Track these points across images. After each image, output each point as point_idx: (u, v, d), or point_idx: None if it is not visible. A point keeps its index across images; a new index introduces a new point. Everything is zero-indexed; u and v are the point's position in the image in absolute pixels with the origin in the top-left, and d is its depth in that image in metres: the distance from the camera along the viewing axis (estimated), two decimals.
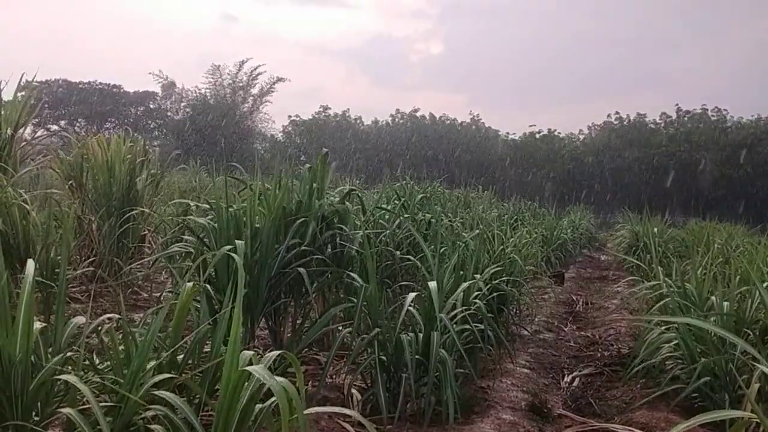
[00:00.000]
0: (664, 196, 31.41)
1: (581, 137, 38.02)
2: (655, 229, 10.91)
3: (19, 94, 5.49)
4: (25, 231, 4.07)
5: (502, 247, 5.58)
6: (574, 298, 8.75)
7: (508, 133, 38.62)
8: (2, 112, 4.74)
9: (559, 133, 37.66)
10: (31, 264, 2.24)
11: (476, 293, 4.16)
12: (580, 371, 5.05)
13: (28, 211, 4.14)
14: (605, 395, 4.49)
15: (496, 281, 4.82)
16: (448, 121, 38.81)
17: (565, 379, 4.87)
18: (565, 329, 6.82)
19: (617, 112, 36.96)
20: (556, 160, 35.44)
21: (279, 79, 37.84)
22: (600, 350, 5.77)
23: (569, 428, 3.73)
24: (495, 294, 4.77)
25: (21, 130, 5.32)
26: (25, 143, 5.66)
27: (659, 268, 5.50)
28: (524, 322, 6.39)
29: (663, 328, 4.43)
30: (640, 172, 33.96)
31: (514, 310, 5.88)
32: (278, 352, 2.21)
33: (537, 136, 37.44)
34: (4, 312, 2.06)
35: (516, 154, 36.52)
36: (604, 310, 7.94)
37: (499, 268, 4.96)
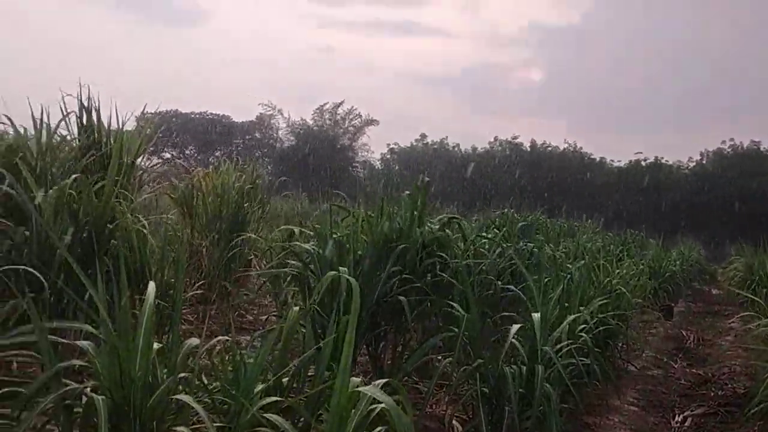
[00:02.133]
0: None
1: (690, 165, 36.44)
2: None
3: (137, 125, 5.82)
4: (142, 254, 4.28)
5: (608, 278, 5.40)
6: (684, 333, 8.35)
7: (612, 160, 37.56)
8: (124, 142, 5.02)
9: (666, 160, 36.28)
10: (152, 286, 2.35)
11: (582, 326, 4.04)
12: (692, 411, 4.80)
13: (146, 235, 4.35)
14: None
15: (603, 315, 4.66)
16: (549, 148, 38.15)
17: (676, 419, 4.64)
18: (675, 366, 6.51)
19: (732, 139, 35.25)
20: (663, 189, 34.07)
21: (371, 121, 38.77)
22: (713, 389, 5.47)
23: None
24: (601, 328, 4.61)
25: (139, 159, 5.62)
26: (142, 171, 5.97)
27: None
28: (631, 357, 6.15)
29: None
30: (755, 202, 32.12)
31: (621, 345, 5.67)
32: (385, 380, 2.21)
33: (643, 163, 36.20)
34: (125, 330, 2.17)
35: (620, 182, 35.38)
36: (717, 347, 7.53)
37: (605, 301, 4.80)
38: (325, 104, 38.84)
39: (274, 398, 2.44)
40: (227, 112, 39.56)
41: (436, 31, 60.34)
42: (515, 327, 3.55)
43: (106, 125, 5.10)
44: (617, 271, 5.96)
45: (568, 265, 5.40)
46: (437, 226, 4.69)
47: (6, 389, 2.37)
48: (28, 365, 3.57)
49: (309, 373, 2.90)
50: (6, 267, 3.14)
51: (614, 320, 4.97)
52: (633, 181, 35.10)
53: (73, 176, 4.11)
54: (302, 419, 2.62)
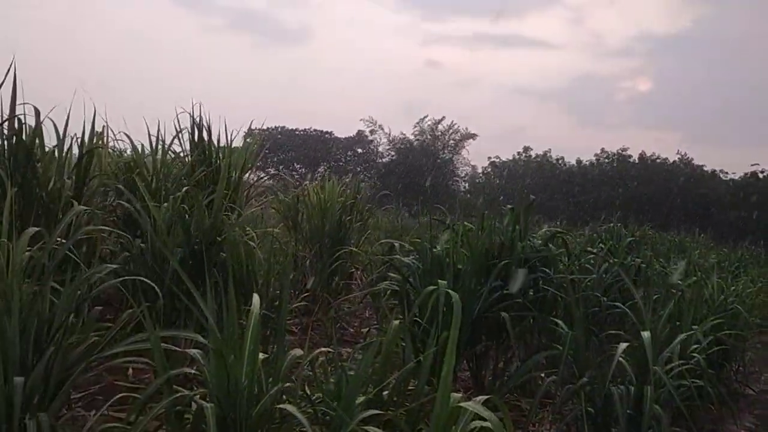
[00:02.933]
0: None
1: None
2: None
3: (244, 141, 6.06)
4: (249, 266, 4.42)
5: (722, 296, 5.12)
6: None
7: (725, 172, 35.72)
8: (232, 158, 5.22)
9: None
10: (256, 298, 2.43)
11: (694, 346, 3.84)
12: None
13: (253, 248, 4.49)
14: None
15: (717, 334, 4.42)
16: (659, 160, 36.71)
17: None
18: None
19: None
20: None
21: (471, 135, 38.62)
22: None
23: None
24: (716, 348, 4.38)
25: (246, 174, 5.83)
26: (249, 186, 6.18)
27: None
28: (749, 380, 5.80)
29: None
30: None
31: (737, 367, 5.35)
32: (486, 396, 2.18)
33: (760, 175, 34.20)
34: (233, 340, 2.25)
35: (736, 195, 33.54)
36: None
37: (719, 320, 4.55)
38: (425, 117, 39.03)
39: (374, 411, 2.45)
40: (330, 128, 40.49)
41: (540, 43, 59.36)
42: (623, 345, 3.42)
43: (215, 141, 5.33)
44: (732, 288, 5.64)
45: (679, 281, 5.16)
46: (540, 241, 4.60)
47: (121, 394, 2.50)
48: (143, 371, 3.76)
49: (409, 387, 2.90)
50: (123, 278, 3.32)
51: (730, 340, 4.71)
52: (749, 194, 33.19)
53: (184, 189, 4.31)
54: None
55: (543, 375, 3.91)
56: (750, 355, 5.75)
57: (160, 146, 5.02)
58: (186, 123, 5.28)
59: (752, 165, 35.00)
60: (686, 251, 8.63)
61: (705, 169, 36.14)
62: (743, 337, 5.19)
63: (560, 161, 38.77)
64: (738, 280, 6.73)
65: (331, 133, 40.21)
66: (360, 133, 40.11)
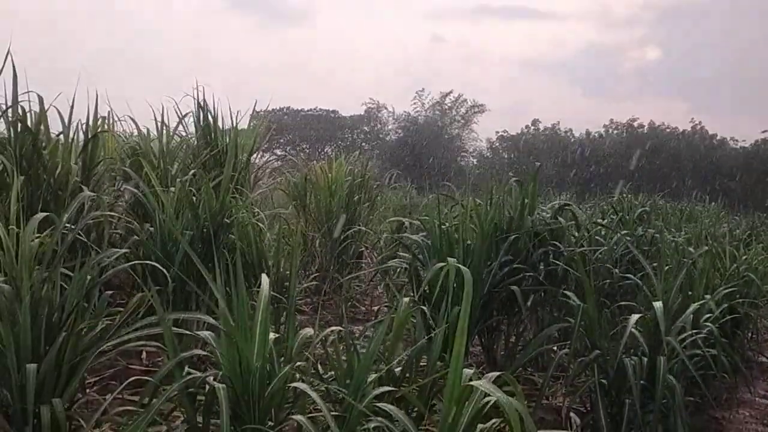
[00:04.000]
0: None
1: None
2: None
3: (250, 122, 6.03)
4: (258, 248, 4.42)
5: (735, 265, 5.08)
6: None
7: (735, 140, 35.40)
8: (239, 140, 5.21)
9: None
10: (265, 279, 2.42)
11: (707, 315, 3.82)
12: None
13: (262, 229, 4.50)
14: None
15: (730, 302, 4.39)
16: (668, 130, 36.39)
17: None
18: None
19: None
20: None
21: (479, 107, 38.33)
22: None
23: None
24: (728, 317, 4.35)
25: (253, 156, 5.82)
26: (257, 167, 6.18)
27: None
28: (763, 348, 5.78)
29: None
30: None
31: (751, 335, 5.33)
32: (498, 372, 2.18)
33: None
34: (244, 322, 2.25)
35: (747, 163, 33.26)
36: None
37: (732, 289, 4.52)
38: (422, 90, 38.73)
39: (387, 388, 2.45)
40: (336, 108, 40.38)
41: (545, 14, 58.81)
42: (635, 316, 3.41)
43: (221, 124, 5.31)
44: (744, 257, 5.60)
45: (691, 250, 5.13)
46: (549, 214, 4.57)
47: (134, 377, 2.51)
48: (156, 355, 3.78)
49: (421, 364, 2.90)
50: (133, 263, 3.33)
51: (743, 308, 4.68)
52: (760, 162, 32.91)
53: (192, 172, 4.30)
54: (415, 409, 2.63)
55: (555, 348, 3.91)
56: (763, 322, 5.73)
57: (165, 130, 5.01)
58: (190, 107, 5.28)
59: (762, 132, 34.71)
60: (698, 221, 8.58)
61: (716, 137, 35.83)
62: (756, 305, 5.15)
63: (569, 134, 38.51)
64: (750, 248, 6.68)
65: (336, 113, 40.10)
66: (369, 110, 39.97)
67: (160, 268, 3.28)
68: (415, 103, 38.95)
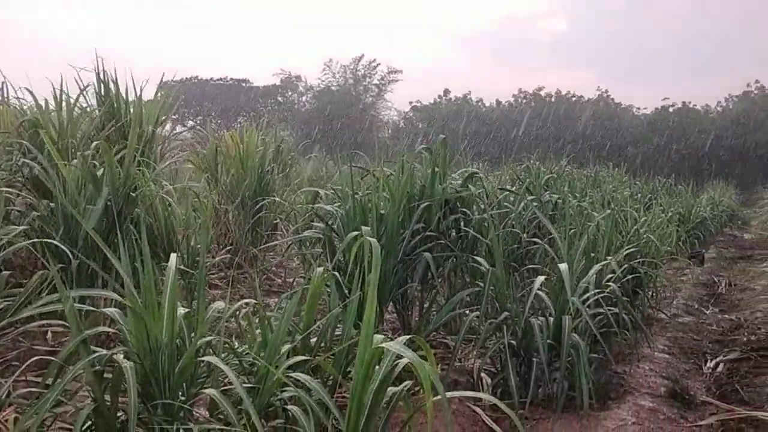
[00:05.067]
0: None
1: (719, 109, 35.72)
2: None
3: (157, 93, 5.84)
4: (167, 222, 4.32)
5: (635, 227, 5.33)
6: (716, 279, 8.27)
7: (638, 107, 36.91)
8: (144, 111, 5.03)
9: (694, 105, 35.57)
10: (173, 255, 2.37)
11: (609, 276, 4.00)
12: (724, 356, 4.77)
13: (170, 203, 4.39)
14: (753, 382, 4.21)
15: (631, 263, 4.62)
16: (574, 98, 37.54)
17: (708, 365, 4.61)
18: (707, 312, 6.46)
19: (757, 81, 34.45)
20: (691, 135, 33.41)
21: (395, 71, 38.33)
22: (746, 334, 5.42)
23: (713, 416, 3.53)
24: (630, 276, 4.57)
25: (161, 127, 5.64)
26: (165, 140, 6.00)
27: None
28: (662, 305, 6.11)
29: None
30: None
31: (651, 293, 5.62)
32: (409, 336, 2.22)
33: (670, 110, 35.51)
34: (151, 298, 2.20)
35: (648, 130, 34.77)
36: (749, 292, 7.44)
37: (633, 250, 4.75)
38: (329, 61, 38.53)
39: (301, 357, 2.46)
40: (248, 77, 39.57)
41: None
42: (540, 278, 3.54)
43: (125, 95, 5.12)
44: (644, 219, 5.88)
45: (595, 214, 5.34)
46: (459, 181, 4.65)
47: (38, 357, 2.42)
48: (63, 335, 3.66)
49: (337, 333, 2.92)
50: (31, 241, 3.19)
51: (643, 268, 4.93)
52: (661, 128, 34.47)
53: (94, 144, 4.14)
54: (331, 377, 2.65)
55: (468, 312, 4.01)
56: (662, 281, 6.04)
57: (64, 101, 4.79)
58: (93, 78, 5.07)
59: (663, 99, 36.32)
60: (601, 186, 8.92)
61: (621, 104, 37.24)
62: (656, 265, 5.43)
63: (479, 103, 39.15)
64: (650, 211, 7.02)
65: (248, 82, 39.30)
66: (286, 80, 39.37)
67: (61, 246, 3.16)
68: (325, 73, 38.65)
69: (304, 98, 39.74)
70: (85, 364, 2.01)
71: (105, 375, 2.14)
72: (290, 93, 40.04)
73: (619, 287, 4.00)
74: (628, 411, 3.41)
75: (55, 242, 3.17)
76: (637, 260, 4.81)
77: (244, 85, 39.17)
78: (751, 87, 34.73)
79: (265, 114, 36.96)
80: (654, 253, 5.39)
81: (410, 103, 39.75)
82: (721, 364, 4.59)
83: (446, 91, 39.55)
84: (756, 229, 13.91)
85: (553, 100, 37.62)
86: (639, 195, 9.42)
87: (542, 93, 38.18)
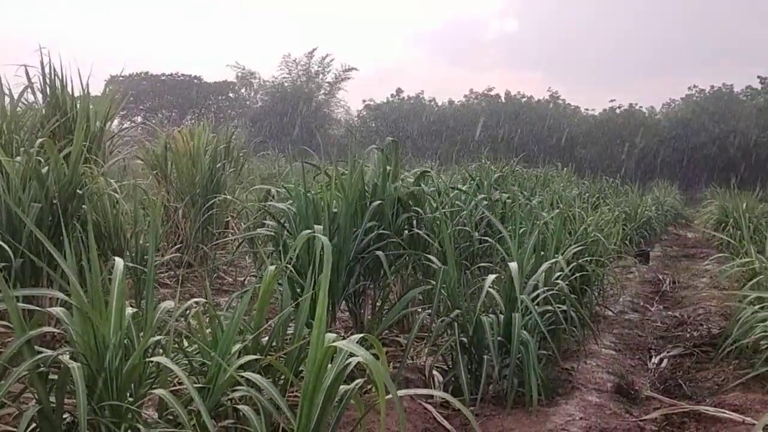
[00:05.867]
0: (755, 170, 29.91)
1: (663, 111, 36.76)
2: (745, 205, 10.43)
3: (105, 89, 5.71)
4: (115, 219, 4.24)
5: (583, 226, 5.44)
6: (661, 277, 8.50)
7: (587, 109, 37.70)
8: (91, 107, 4.92)
9: (640, 107, 36.52)
10: (119, 260, 2.33)
11: (558, 274, 4.08)
12: (668, 352, 4.90)
13: (118, 200, 4.30)
14: (695, 377, 4.34)
15: (579, 261, 4.71)
16: (524, 99, 38.09)
17: (653, 360, 4.74)
18: (652, 309, 6.63)
19: (695, 85, 35.75)
20: (637, 135, 34.26)
21: (349, 69, 38.29)
22: (689, 330, 5.58)
23: (658, 410, 3.63)
24: (578, 274, 4.67)
25: (109, 123, 5.52)
26: (113, 136, 5.87)
27: (751, 245, 5.26)
28: (608, 302, 6.25)
29: (757, 306, 4.24)
30: (727, 145, 32.48)
31: (598, 291, 5.75)
32: (361, 334, 2.22)
33: (617, 111, 36.35)
34: (98, 297, 2.15)
35: (595, 130, 35.53)
36: (692, 289, 7.67)
37: (580, 248, 4.85)
38: (288, 55, 38.35)
39: (252, 357, 2.45)
40: (199, 73, 39.01)
41: None
42: (491, 277, 3.58)
43: (72, 91, 4.99)
44: (591, 218, 6.01)
45: (544, 213, 5.43)
46: (411, 180, 4.68)
47: None
48: (7, 335, 3.55)
49: (289, 332, 2.91)
50: None
51: (590, 267, 5.03)
52: (608, 129, 35.27)
53: (39, 141, 4.03)
54: (282, 376, 2.63)
55: (420, 310, 4.04)
56: (609, 279, 6.17)
57: (6, 96, 4.65)
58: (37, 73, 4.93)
59: (610, 101, 37.18)
60: (550, 185, 9.08)
61: (569, 104, 37.98)
62: (603, 263, 5.55)
63: (432, 102, 39.41)
64: (597, 211, 7.17)
65: (199, 78, 38.74)
66: (241, 76, 38.90)
67: (2, 244, 3.07)
68: (281, 69, 38.36)
69: (258, 95, 39.37)
70: (30, 365, 1.96)
71: (50, 376, 2.09)
72: (244, 90, 39.60)
73: (567, 285, 4.09)
74: (575, 406, 3.48)
75: None
76: (585, 258, 4.91)
77: (195, 81, 38.59)
78: (692, 90, 35.87)
79: (214, 110, 36.49)
80: (601, 252, 5.52)
81: (363, 101, 39.81)
82: (665, 360, 4.72)
83: (399, 90, 39.71)
84: (698, 227, 14.33)
85: (503, 100, 38.12)
86: (587, 195, 9.61)
87: (492, 93, 38.65)
